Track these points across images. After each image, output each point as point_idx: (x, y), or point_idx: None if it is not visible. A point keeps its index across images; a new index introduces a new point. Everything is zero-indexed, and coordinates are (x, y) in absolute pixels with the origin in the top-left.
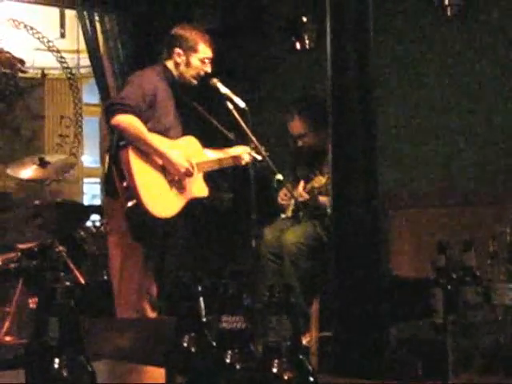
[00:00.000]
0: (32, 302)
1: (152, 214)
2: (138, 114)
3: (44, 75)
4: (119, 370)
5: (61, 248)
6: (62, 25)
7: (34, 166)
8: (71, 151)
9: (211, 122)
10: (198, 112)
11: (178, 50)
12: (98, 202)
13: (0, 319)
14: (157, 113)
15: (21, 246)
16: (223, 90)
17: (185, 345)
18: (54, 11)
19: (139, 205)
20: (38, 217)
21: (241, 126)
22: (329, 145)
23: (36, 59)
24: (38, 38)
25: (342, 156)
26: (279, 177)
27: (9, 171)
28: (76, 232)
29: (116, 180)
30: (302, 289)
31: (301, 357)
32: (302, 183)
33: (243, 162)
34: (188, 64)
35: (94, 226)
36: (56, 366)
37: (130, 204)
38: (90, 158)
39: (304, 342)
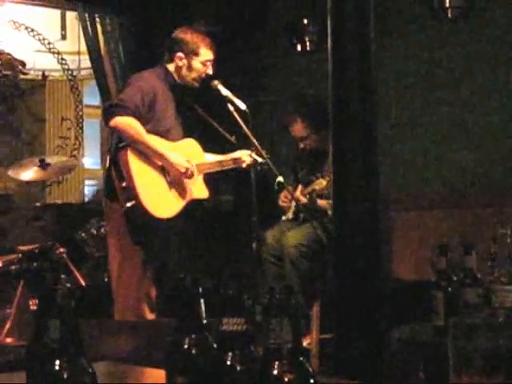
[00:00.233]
0: (33, 304)
1: (151, 214)
2: (137, 116)
3: (45, 77)
4: (119, 371)
5: (61, 250)
6: (63, 27)
7: (35, 168)
8: (72, 153)
9: (213, 125)
10: (199, 115)
11: (179, 53)
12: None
13: (1, 321)
14: (156, 115)
15: (21, 248)
16: (224, 92)
17: (185, 347)
18: (55, 13)
19: (138, 205)
20: (38, 219)
21: (242, 127)
22: (330, 147)
23: (37, 61)
24: (39, 40)
25: (342, 158)
26: (280, 179)
27: (10, 173)
28: (77, 234)
29: (115, 181)
30: (303, 291)
31: (301, 359)
32: (300, 187)
33: (244, 165)
34: (190, 67)
35: (95, 228)
36: (56, 367)
37: (128, 205)
38: (91, 159)
39: (304, 343)
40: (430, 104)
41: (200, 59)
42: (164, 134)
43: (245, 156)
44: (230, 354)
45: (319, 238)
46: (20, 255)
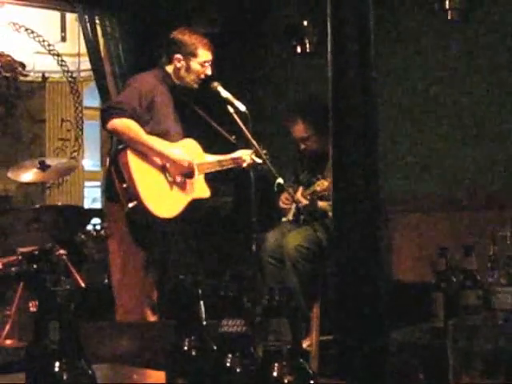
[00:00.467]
0: (32, 306)
1: (153, 214)
2: (135, 118)
3: (45, 79)
4: (119, 373)
5: (61, 252)
6: (63, 28)
7: (35, 170)
8: (72, 155)
9: (212, 126)
10: (199, 116)
11: (177, 55)
12: (98, 205)
13: (0, 322)
14: (155, 116)
15: (21, 250)
16: (224, 93)
17: (185, 348)
18: (55, 14)
19: (140, 206)
20: (38, 220)
21: (241, 129)
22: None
23: (37, 63)
24: (39, 42)
25: (343, 160)
26: (280, 180)
27: (9, 174)
28: (76, 236)
29: (116, 182)
30: (303, 292)
31: (301, 360)
32: (300, 189)
33: (244, 164)
34: (188, 69)
35: (95, 230)
36: (56, 369)
37: (130, 205)
38: (91, 161)
39: (304, 345)
40: (431, 106)
41: (198, 60)
42: (163, 136)
43: (245, 155)
44: (229, 355)
45: (319, 239)
46: (20, 257)
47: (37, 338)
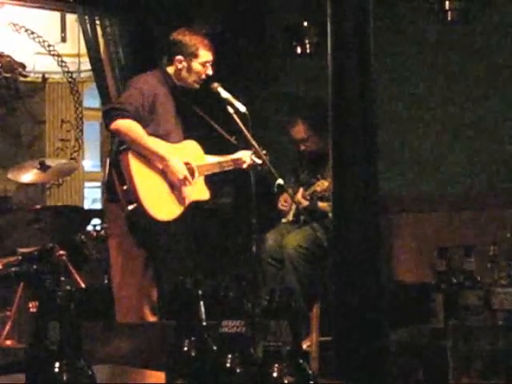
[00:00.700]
0: (32, 306)
1: (153, 216)
2: (137, 119)
3: (45, 79)
4: (119, 374)
5: (61, 252)
6: (63, 29)
7: (35, 170)
8: (72, 155)
9: (213, 127)
10: (199, 117)
11: (178, 56)
12: (98, 206)
13: (0, 323)
14: (156, 118)
15: (21, 250)
16: (224, 94)
17: (185, 349)
18: (55, 15)
19: (140, 208)
20: (38, 221)
21: (241, 130)
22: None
23: (37, 63)
24: (39, 42)
25: (342, 160)
26: (280, 181)
27: (9, 175)
28: (76, 236)
29: (116, 184)
30: (303, 293)
31: (301, 361)
32: (301, 190)
33: (244, 165)
34: (189, 69)
35: (95, 230)
36: (56, 369)
37: (130, 207)
38: (91, 162)
39: (304, 346)
40: (430, 106)
41: (199, 61)
42: (164, 137)
43: (245, 156)
44: (229, 356)
45: (319, 240)
46: (20, 257)
47: (37, 338)
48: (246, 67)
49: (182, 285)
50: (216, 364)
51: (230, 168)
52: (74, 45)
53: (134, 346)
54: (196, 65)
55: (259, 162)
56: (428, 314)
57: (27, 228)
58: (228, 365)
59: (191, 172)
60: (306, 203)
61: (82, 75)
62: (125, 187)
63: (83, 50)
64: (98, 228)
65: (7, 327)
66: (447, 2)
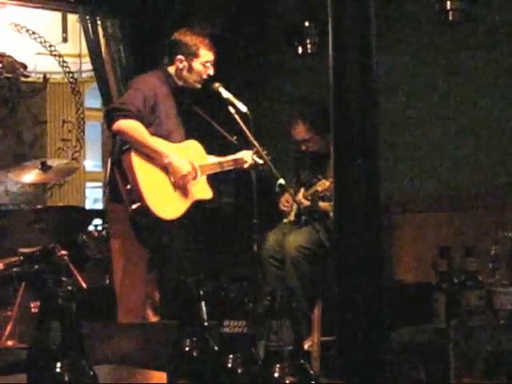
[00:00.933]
0: (34, 306)
1: (156, 215)
2: (139, 119)
3: (46, 80)
4: (121, 374)
5: (63, 252)
6: (65, 29)
7: (36, 171)
8: (73, 155)
9: (214, 127)
10: (201, 117)
11: (179, 56)
12: (100, 206)
13: (2, 323)
14: (158, 117)
15: (23, 250)
16: (225, 94)
17: (187, 349)
18: (57, 16)
19: (143, 207)
20: (39, 221)
21: (243, 130)
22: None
23: (38, 64)
24: (40, 43)
25: (343, 160)
26: (281, 181)
27: (11, 175)
28: (78, 236)
29: (119, 183)
30: (304, 293)
31: (302, 361)
32: (302, 190)
33: (246, 165)
34: (190, 69)
35: (96, 230)
36: (58, 370)
37: (134, 207)
38: (92, 162)
39: (306, 346)
40: (432, 106)
41: (200, 60)
42: (166, 137)
43: (247, 156)
44: (231, 356)
45: (320, 240)
46: (21, 257)
47: (38, 338)
48: (247, 67)
49: (184, 285)
50: (217, 364)
51: (232, 168)
52: (76, 45)
53: (135, 345)
54: (197, 64)
55: (260, 162)
56: (430, 313)
57: (28, 228)
58: (229, 365)
59: (194, 171)
60: (307, 203)
61: (84, 75)
62: (128, 186)
63: (84, 50)
64: (100, 228)
65: (8, 327)
66: (448, 3)
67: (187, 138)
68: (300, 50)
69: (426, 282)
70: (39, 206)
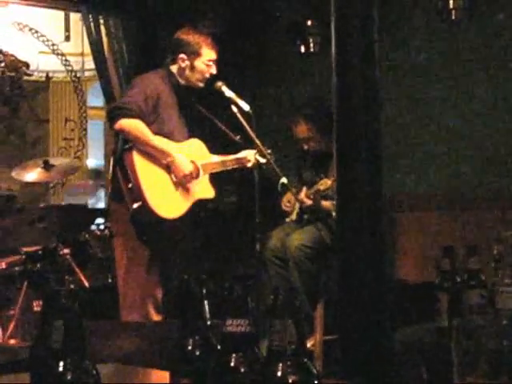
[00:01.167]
0: (36, 305)
1: (158, 214)
2: (141, 118)
3: (49, 78)
4: (123, 373)
5: (65, 251)
6: (67, 28)
7: (39, 169)
8: (76, 154)
9: (217, 125)
10: (203, 116)
11: (181, 55)
12: (102, 205)
13: (4, 322)
14: (160, 116)
15: (25, 249)
16: (228, 93)
17: (189, 348)
18: (59, 14)
19: (145, 206)
20: (42, 220)
21: (245, 129)
22: (333, 148)
23: (41, 62)
24: (43, 41)
25: (346, 159)
26: (283, 180)
27: (13, 174)
28: (80, 235)
29: (121, 182)
30: (306, 292)
31: (305, 360)
32: (304, 189)
33: (249, 164)
34: (193, 68)
35: (99, 229)
36: (60, 369)
37: (135, 206)
38: (95, 160)
39: (308, 345)
40: (434, 105)
41: (202, 59)
42: (168, 136)
43: (250, 156)
44: (233, 355)
45: (323, 239)
46: (24, 256)
47: (41, 337)
48: (249, 66)
49: (187, 284)
50: (220, 363)
51: (234, 167)
52: (78, 44)
53: (138, 345)
54: (199, 63)
55: (263, 161)
56: (432, 313)
57: (31, 227)
58: (232, 364)
59: (196, 170)
60: (309, 202)
61: (86, 74)
62: (130, 185)
63: (87, 48)
64: (102, 227)
65: (11, 326)
66: (451, 1)
67: (190, 136)
68: (302, 49)
69: (428, 281)
70: (42, 205)
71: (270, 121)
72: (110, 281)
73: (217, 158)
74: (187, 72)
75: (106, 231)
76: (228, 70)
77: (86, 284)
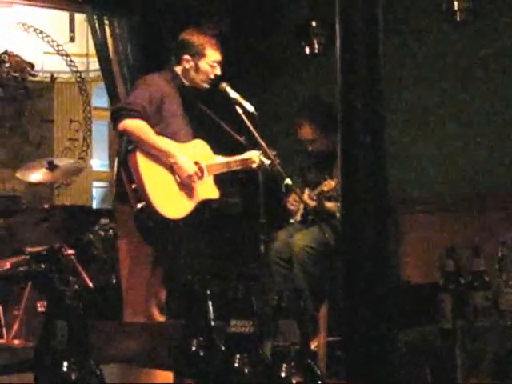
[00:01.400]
0: (40, 306)
1: (162, 215)
2: (146, 118)
3: (53, 79)
4: (127, 373)
5: (69, 251)
6: (72, 29)
7: (43, 170)
8: (80, 155)
9: (221, 127)
10: (208, 117)
11: (186, 56)
12: (106, 205)
13: (9, 322)
14: (164, 117)
15: (30, 250)
16: (232, 94)
17: (193, 349)
18: (64, 15)
19: (148, 207)
20: (46, 220)
21: (250, 130)
22: (338, 149)
23: (45, 63)
24: (48, 42)
25: (350, 160)
26: (288, 181)
27: (18, 175)
28: (85, 235)
29: (125, 183)
30: (310, 293)
31: (309, 361)
32: (307, 191)
33: (254, 165)
34: (197, 69)
35: (103, 230)
36: (64, 369)
37: (139, 206)
38: (99, 161)
39: (312, 346)
40: (439, 106)
41: (207, 60)
42: (172, 136)
43: (255, 157)
44: (237, 356)
45: (327, 240)
46: (28, 257)
47: (45, 337)
48: (254, 67)
49: (190, 284)
50: (224, 364)
51: (239, 168)
52: (83, 44)
53: (142, 345)
54: (203, 64)
55: (268, 162)
56: (436, 314)
57: (35, 227)
58: (236, 365)
59: (201, 171)
60: (313, 203)
61: (91, 75)
62: (134, 186)
63: (92, 49)
64: (106, 228)
65: (15, 326)
66: (456, 3)
67: (194, 137)
68: (307, 49)
69: (432, 283)
70: (46, 206)
71: (274, 122)
72: (113, 281)
73: (221, 159)
74: (192, 73)
75: (111, 232)
76: (232, 71)
77: (90, 284)
